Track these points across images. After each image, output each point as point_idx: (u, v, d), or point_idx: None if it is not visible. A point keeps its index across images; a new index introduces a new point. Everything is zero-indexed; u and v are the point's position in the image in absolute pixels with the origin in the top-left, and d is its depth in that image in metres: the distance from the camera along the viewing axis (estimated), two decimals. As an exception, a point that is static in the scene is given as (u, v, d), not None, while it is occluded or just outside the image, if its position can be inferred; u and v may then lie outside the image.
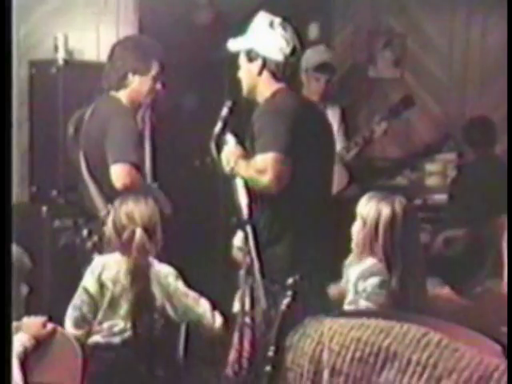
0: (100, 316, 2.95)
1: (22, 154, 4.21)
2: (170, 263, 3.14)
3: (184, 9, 5.24)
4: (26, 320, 2.70)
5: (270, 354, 2.17)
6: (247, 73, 2.98)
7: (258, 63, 2.94)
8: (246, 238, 2.62)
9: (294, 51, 2.94)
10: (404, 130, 4.84)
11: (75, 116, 3.49)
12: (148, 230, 2.95)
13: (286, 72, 2.97)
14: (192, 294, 3.02)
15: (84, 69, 4.01)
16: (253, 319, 3.07)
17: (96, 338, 2.94)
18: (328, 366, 2.06)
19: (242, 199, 2.68)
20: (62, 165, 3.89)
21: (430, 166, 4.77)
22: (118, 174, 3.16)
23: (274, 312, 2.51)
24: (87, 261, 3.09)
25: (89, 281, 2.97)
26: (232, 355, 3.02)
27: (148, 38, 3.56)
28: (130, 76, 3.37)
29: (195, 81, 4.07)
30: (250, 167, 2.74)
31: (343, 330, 2.08)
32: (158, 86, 3.42)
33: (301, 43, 2.99)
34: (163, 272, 3.01)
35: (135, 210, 2.97)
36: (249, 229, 2.59)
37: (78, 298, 2.95)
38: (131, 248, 2.93)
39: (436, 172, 4.72)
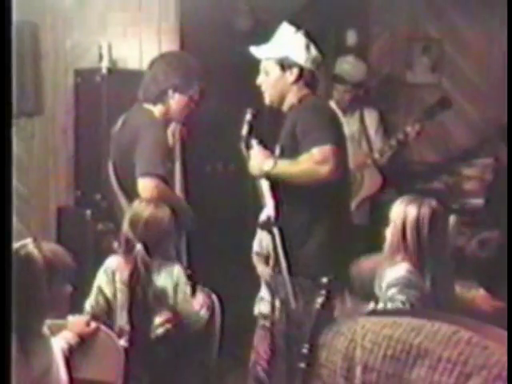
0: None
1: (68, 159, 4.35)
2: (196, 267, 3.23)
3: (225, 16, 5.33)
4: (70, 318, 2.76)
5: (305, 351, 2.24)
6: (279, 81, 3.05)
7: (294, 72, 3.02)
8: (273, 239, 2.70)
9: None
10: (441, 135, 4.85)
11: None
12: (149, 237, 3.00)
13: (316, 80, 3.07)
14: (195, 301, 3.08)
15: (127, 77, 4.06)
16: (272, 323, 3.19)
17: None
18: (361, 363, 2.12)
19: (269, 201, 2.77)
20: (105, 170, 3.96)
21: (468, 171, 4.76)
22: (145, 187, 3.18)
23: (302, 311, 2.59)
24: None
25: (103, 281, 3.04)
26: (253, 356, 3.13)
27: (192, 57, 3.55)
28: (170, 92, 3.38)
29: (232, 86, 4.15)
30: (303, 161, 2.85)
31: (375, 328, 2.14)
32: (194, 106, 3.45)
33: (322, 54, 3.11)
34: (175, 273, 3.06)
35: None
36: (276, 230, 2.68)
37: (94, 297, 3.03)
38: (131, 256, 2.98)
39: (473, 176, 4.72)
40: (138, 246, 2.95)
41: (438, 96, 4.55)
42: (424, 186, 4.67)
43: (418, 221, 2.72)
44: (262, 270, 3.60)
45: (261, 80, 3.12)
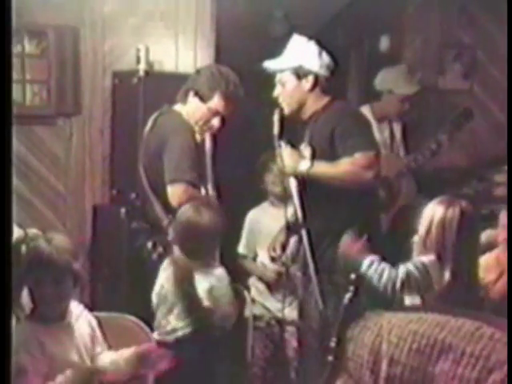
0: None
1: (104, 159, 4.46)
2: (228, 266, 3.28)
3: (260, 21, 5.41)
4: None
5: (332, 344, 2.30)
6: (296, 90, 3.13)
7: (309, 79, 3.11)
8: (300, 240, 2.78)
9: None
10: (472, 141, 4.87)
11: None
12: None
13: (331, 86, 3.14)
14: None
15: (163, 79, 4.14)
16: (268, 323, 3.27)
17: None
18: (386, 357, 2.17)
19: (296, 201, 2.85)
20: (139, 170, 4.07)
21: (497, 177, 4.77)
22: (174, 193, 3.25)
23: (329, 311, 2.66)
24: (155, 270, 3.18)
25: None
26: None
27: (234, 75, 3.52)
28: (191, 95, 3.45)
29: (265, 91, 4.22)
30: (345, 164, 2.96)
31: (401, 323, 2.20)
32: (216, 121, 3.47)
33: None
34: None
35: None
36: (304, 232, 2.76)
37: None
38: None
39: (503, 182, 4.72)
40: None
41: (469, 102, 4.57)
42: (454, 191, 4.69)
43: (445, 218, 2.77)
44: (264, 270, 3.69)
45: (278, 92, 3.20)
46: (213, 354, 3.03)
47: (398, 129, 4.56)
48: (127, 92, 4.25)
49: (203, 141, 3.60)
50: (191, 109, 3.46)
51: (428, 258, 2.78)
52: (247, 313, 3.46)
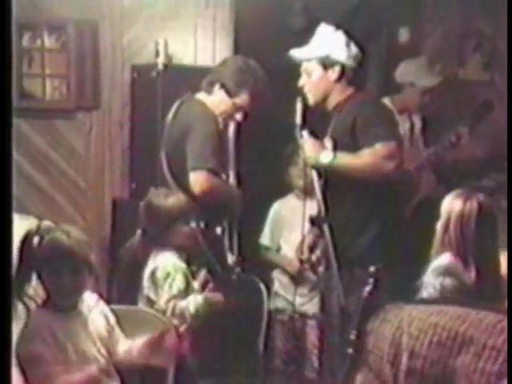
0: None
1: (124, 152, 4.48)
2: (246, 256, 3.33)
3: (279, 14, 5.39)
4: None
5: (352, 337, 2.30)
6: (322, 80, 3.11)
7: (336, 70, 3.08)
8: (321, 235, 2.77)
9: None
10: (491, 132, 4.83)
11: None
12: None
13: (357, 77, 3.13)
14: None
15: (182, 73, 4.14)
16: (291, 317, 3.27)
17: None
18: (407, 350, 2.16)
19: (318, 194, 2.84)
20: (159, 163, 4.04)
21: (517, 168, 4.73)
22: (196, 180, 3.26)
23: (350, 306, 2.66)
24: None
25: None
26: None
27: (261, 71, 3.54)
28: (217, 86, 3.45)
29: (286, 83, 4.22)
30: (367, 155, 2.94)
31: (422, 316, 2.18)
32: (239, 116, 3.49)
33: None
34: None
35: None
36: (326, 227, 2.75)
37: None
38: None
39: (522, 174, 4.69)
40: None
41: (489, 93, 4.53)
42: (473, 182, 4.66)
43: (463, 214, 2.75)
44: (288, 263, 3.68)
45: (303, 82, 3.17)
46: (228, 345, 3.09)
47: (417, 121, 4.53)
48: (146, 85, 4.26)
49: (226, 129, 3.62)
50: (216, 100, 3.46)
51: (448, 259, 2.74)
52: (271, 305, 3.47)
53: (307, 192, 3.53)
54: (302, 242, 3.37)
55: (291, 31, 5.40)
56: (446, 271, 2.71)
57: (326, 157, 2.97)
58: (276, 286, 3.82)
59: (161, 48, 4.19)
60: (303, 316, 3.73)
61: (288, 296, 3.74)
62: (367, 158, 2.94)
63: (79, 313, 2.51)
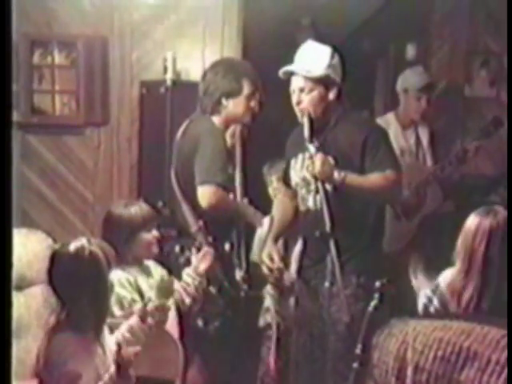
0: None
1: (132, 167, 4.51)
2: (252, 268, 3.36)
3: (287, 30, 5.43)
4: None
5: (358, 351, 2.31)
6: (322, 98, 3.11)
7: (335, 90, 3.12)
8: (327, 250, 2.78)
9: None
10: (499, 148, 4.84)
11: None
12: None
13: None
14: None
15: (190, 89, 4.08)
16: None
17: None
18: (412, 364, 2.18)
19: (325, 209, 2.85)
20: (167, 178, 4.01)
21: (526, 184, 4.73)
22: (204, 194, 3.28)
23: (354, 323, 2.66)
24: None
25: None
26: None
27: (236, 58, 3.62)
28: (224, 101, 3.46)
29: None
30: (377, 179, 2.98)
31: (426, 331, 2.20)
32: (254, 103, 3.51)
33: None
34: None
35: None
36: (332, 242, 2.76)
37: None
38: None
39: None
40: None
41: (495, 110, 4.55)
42: (481, 198, 4.67)
43: (490, 230, 2.68)
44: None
45: (301, 97, 3.16)
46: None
47: (424, 135, 4.54)
48: (155, 101, 4.31)
49: (233, 146, 3.64)
50: (233, 110, 3.48)
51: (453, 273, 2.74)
52: (261, 322, 3.46)
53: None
54: (270, 248, 3.32)
55: (299, 46, 5.43)
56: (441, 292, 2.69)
57: (337, 174, 2.98)
58: (267, 302, 3.80)
59: (169, 64, 4.23)
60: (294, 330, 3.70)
61: (279, 311, 3.72)
62: (380, 181, 2.98)
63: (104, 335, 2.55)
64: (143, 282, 3.11)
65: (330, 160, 3.01)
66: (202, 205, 3.29)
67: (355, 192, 2.98)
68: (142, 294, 3.06)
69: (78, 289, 2.44)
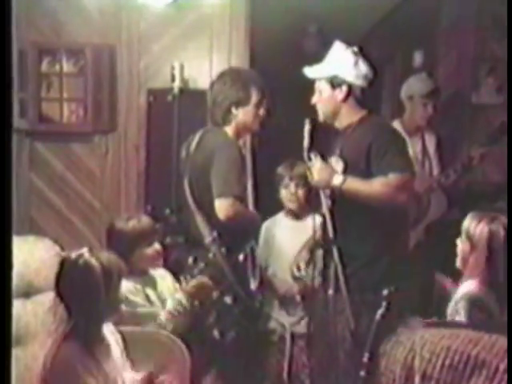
0: None
1: (139, 175, 4.51)
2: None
3: (294, 38, 5.45)
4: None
5: (365, 360, 2.31)
6: (329, 99, 3.12)
7: (343, 90, 3.11)
8: (330, 257, 2.78)
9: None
10: (504, 154, 4.84)
11: (188, 141, 3.62)
12: None
13: (369, 98, 3.13)
14: None
15: (197, 97, 4.14)
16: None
17: None
18: (419, 372, 2.17)
19: (327, 215, 2.85)
20: (175, 186, 4.04)
21: (533, 191, 4.72)
22: (221, 207, 3.26)
23: (360, 329, 2.66)
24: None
25: None
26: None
27: (242, 67, 3.58)
28: (234, 110, 3.44)
29: (299, 105, 4.26)
30: (379, 184, 2.93)
31: (434, 339, 2.19)
32: (262, 111, 3.49)
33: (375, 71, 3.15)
34: None
35: None
36: (335, 249, 2.76)
37: None
38: None
39: (538, 197, 4.67)
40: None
41: (502, 117, 4.53)
42: (487, 205, 4.66)
43: (491, 237, 2.72)
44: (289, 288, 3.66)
45: (315, 99, 3.20)
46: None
47: (430, 142, 4.54)
48: (162, 109, 4.32)
49: (244, 157, 3.63)
50: (243, 119, 3.47)
51: (475, 287, 2.72)
52: (260, 327, 3.47)
53: (299, 214, 3.68)
54: (298, 257, 3.35)
55: (306, 54, 5.44)
56: (474, 302, 2.65)
57: (337, 179, 2.97)
58: (267, 307, 3.80)
59: (176, 72, 4.25)
60: (294, 336, 3.71)
61: (279, 317, 3.73)
62: (380, 187, 2.94)
63: (103, 339, 2.55)
64: (150, 292, 3.14)
65: (329, 166, 3.01)
66: (219, 217, 3.27)
67: (355, 197, 2.96)
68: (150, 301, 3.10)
69: (76, 298, 2.45)
